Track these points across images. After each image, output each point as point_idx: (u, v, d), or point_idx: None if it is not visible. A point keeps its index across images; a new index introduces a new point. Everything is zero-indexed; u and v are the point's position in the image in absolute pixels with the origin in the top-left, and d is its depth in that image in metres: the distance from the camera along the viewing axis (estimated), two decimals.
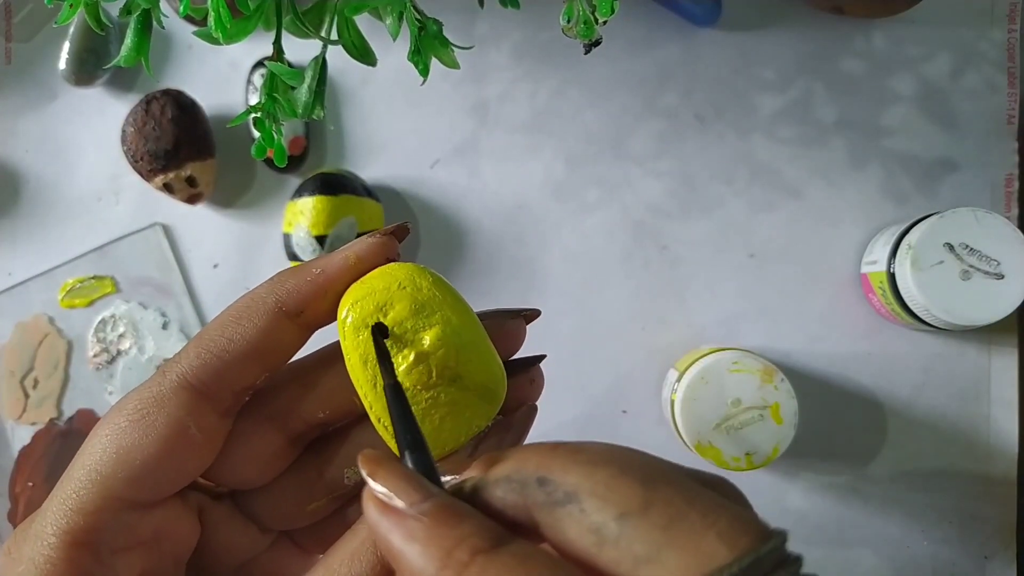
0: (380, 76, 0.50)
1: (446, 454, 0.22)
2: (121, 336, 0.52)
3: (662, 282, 0.48)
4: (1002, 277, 0.39)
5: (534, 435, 0.24)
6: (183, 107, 0.49)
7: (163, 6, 0.31)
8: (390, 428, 0.22)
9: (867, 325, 0.47)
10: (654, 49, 0.49)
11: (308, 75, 0.32)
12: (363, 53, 0.32)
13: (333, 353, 0.23)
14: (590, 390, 0.48)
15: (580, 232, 0.49)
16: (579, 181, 0.49)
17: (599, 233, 0.49)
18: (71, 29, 0.51)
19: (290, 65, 0.31)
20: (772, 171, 0.48)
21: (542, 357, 0.24)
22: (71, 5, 0.29)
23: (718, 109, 0.49)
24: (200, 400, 0.22)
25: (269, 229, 0.51)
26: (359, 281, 0.22)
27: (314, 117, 0.32)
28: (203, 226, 0.52)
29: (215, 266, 0.52)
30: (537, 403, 0.24)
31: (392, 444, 0.22)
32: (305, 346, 0.24)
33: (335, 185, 0.47)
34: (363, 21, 0.32)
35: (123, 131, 0.50)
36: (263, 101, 0.31)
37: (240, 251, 0.51)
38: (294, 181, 0.50)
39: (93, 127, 0.53)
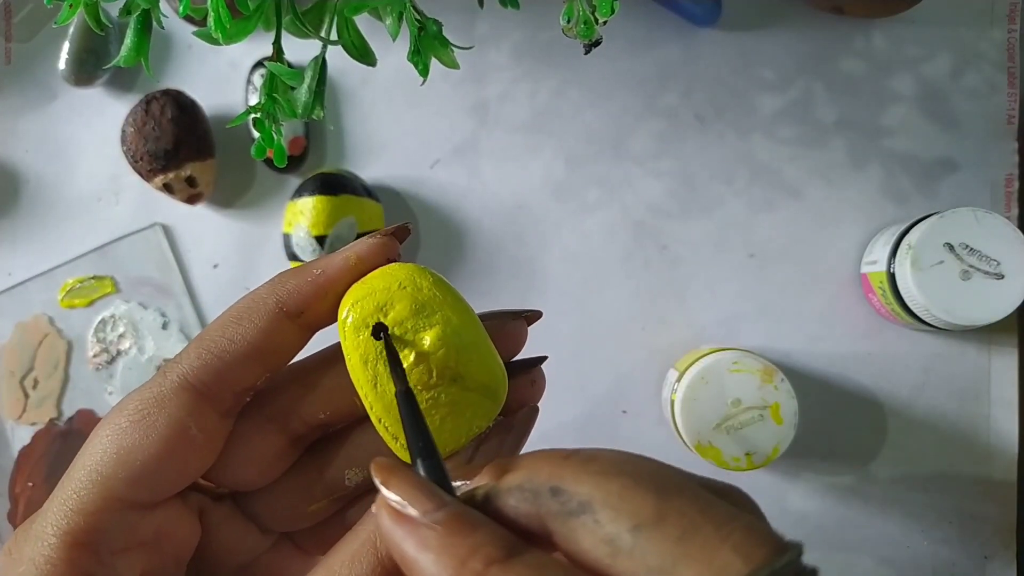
0: (380, 76, 0.50)
1: (447, 455, 0.22)
2: (121, 336, 0.52)
3: (662, 282, 0.48)
4: (1002, 277, 0.39)
5: (534, 435, 0.24)
6: (183, 107, 0.49)
7: (163, 6, 0.31)
8: (391, 429, 0.22)
9: (867, 325, 0.47)
10: (654, 49, 0.49)
11: (308, 75, 0.32)
12: (363, 53, 0.32)
13: (334, 354, 0.23)
14: (590, 390, 0.48)
15: (580, 232, 0.49)
16: (579, 181, 0.49)
17: (599, 233, 0.49)
18: (71, 29, 0.51)
19: (290, 65, 0.31)
20: (772, 171, 0.48)
21: (543, 358, 0.24)
22: (71, 5, 0.29)
23: (718, 109, 0.49)
24: (201, 401, 0.22)
25: (269, 229, 0.51)
26: (360, 281, 0.22)
27: (314, 117, 0.32)
28: (203, 226, 0.52)
29: (215, 266, 0.52)
30: (538, 404, 0.24)
31: (393, 445, 0.22)
32: (306, 347, 0.24)
33: (335, 185, 0.47)
34: (363, 21, 0.32)
35: (123, 131, 0.50)
36: (263, 101, 0.31)
37: (240, 251, 0.51)
38: (294, 181, 0.50)
39: (93, 127, 0.53)
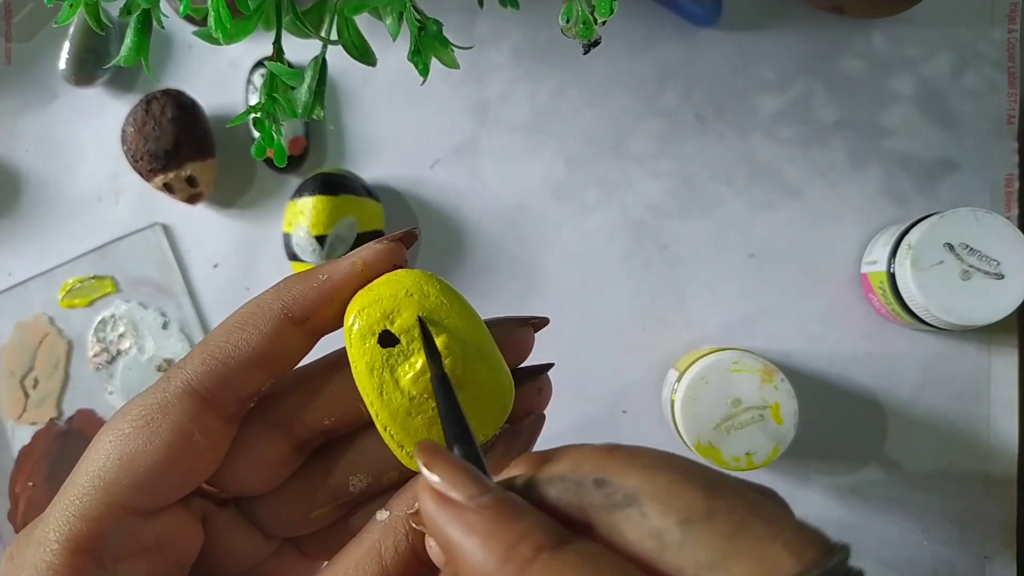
0: (380, 76, 0.50)
1: None
2: (121, 336, 0.52)
3: (662, 282, 0.48)
4: (1002, 277, 0.39)
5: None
6: (183, 107, 0.49)
7: (163, 6, 0.31)
8: (396, 437, 0.21)
9: (867, 325, 0.47)
10: (654, 49, 0.49)
11: (308, 75, 0.32)
12: (363, 53, 0.32)
13: (339, 360, 0.23)
14: (590, 390, 0.48)
15: (580, 232, 0.49)
16: (579, 181, 0.49)
17: (599, 233, 0.49)
18: (71, 29, 0.51)
19: (290, 65, 0.31)
20: (772, 171, 0.48)
21: (550, 365, 0.24)
22: (71, 5, 0.29)
23: (718, 109, 0.49)
24: (205, 406, 0.21)
25: (269, 229, 0.51)
26: (366, 288, 0.22)
27: (314, 117, 0.32)
28: (203, 226, 0.52)
29: (215, 266, 0.52)
30: (544, 412, 0.24)
31: (398, 453, 0.22)
32: (311, 352, 0.24)
33: (335, 185, 0.47)
34: (363, 21, 0.32)
35: (123, 131, 0.50)
36: (263, 101, 0.31)
37: (240, 251, 0.51)
38: (294, 181, 0.50)
39: (93, 127, 0.53)
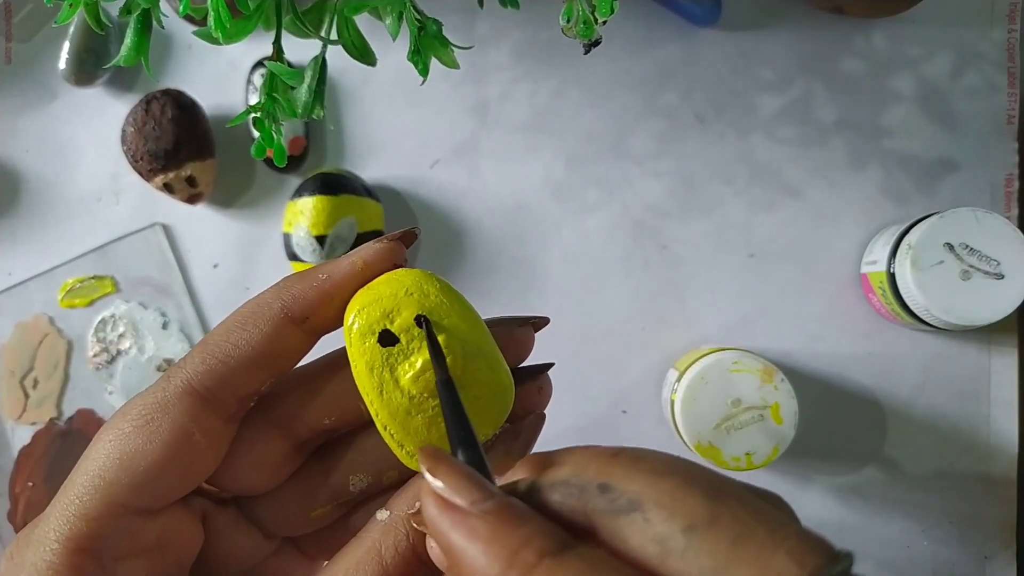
0: (380, 76, 0.50)
1: None
2: (121, 336, 0.52)
3: (662, 282, 0.48)
4: (1002, 277, 0.39)
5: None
6: (183, 107, 0.49)
7: (163, 6, 0.31)
8: (396, 436, 0.21)
9: (867, 325, 0.47)
10: (654, 49, 0.49)
11: (308, 75, 0.32)
12: (363, 53, 0.32)
13: (339, 359, 0.23)
14: (590, 390, 0.48)
15: (580, 232, 0.49)
16: (579, 181, 0.49)
17: (599, 233, 0.49)
18: (71, 29, 0.51)
19: (290, 65, 0.31)
20: (772, 171, 0.48)
21: (550, 365, 0.24)
22: (71, 5, 0.29)
23: (718, 109, 0.49)
24: (205, 406, 0.21)
25: (269, 229, 0.51)
26: (366, 287, 0.22)
27: (314, 117, 0.32)
28: (203, 226, 0.52)
29: (215, 266, 0.52)
30: (544, 411, 0.24)
31: (399, 452, 0.22)
32: (311, 351, 0.24)
33: (335, 185, 0.47)
34: (363, 21, 0.32)
35: (123, 131, 0.50)
36: (263, 101, 0.31)
37: (240, 251, 0.51)
38: (294, 181, 0.50)
39: (93, 127, 0.53)
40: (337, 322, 0.23)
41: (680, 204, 0.49)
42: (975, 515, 0.45)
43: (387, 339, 0.21)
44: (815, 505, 0.46)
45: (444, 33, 0.31)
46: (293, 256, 0.48)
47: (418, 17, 0.31)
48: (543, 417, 0.24)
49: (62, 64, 0.51)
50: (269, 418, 0.23)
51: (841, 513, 0.46)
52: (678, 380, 0.43)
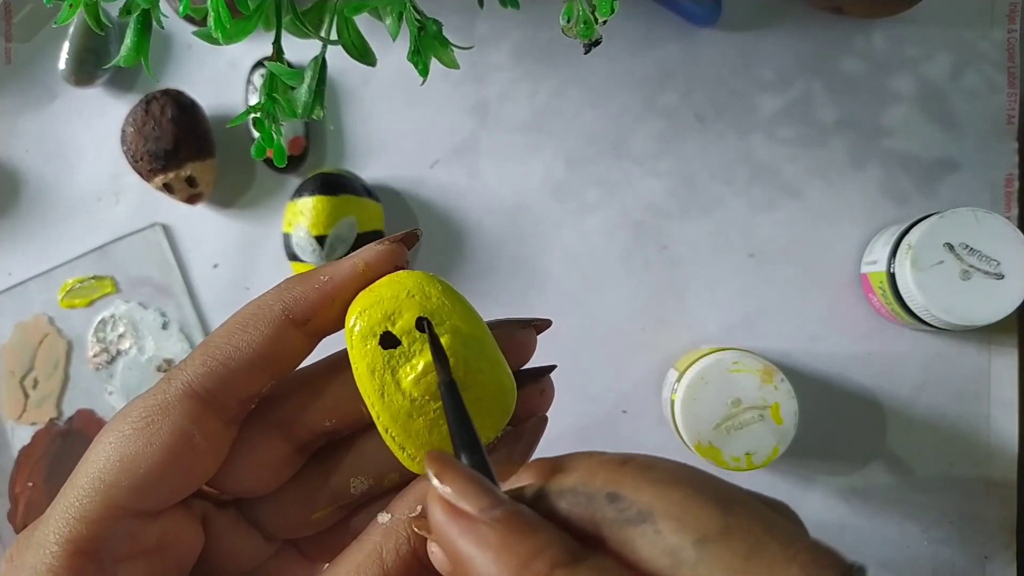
0: (380, 76, 0.50)
1: None
2: (121, 336, 0.52)
3: (662, 282, 0.48)
4: (1002, 277, 0.39)
5: None
6: (183, 107, 0.49)
7: (163, 6, 0.31)
8: (398, 439, 0.21)
9: (867, 325, 0.47)
10: (654, 49, 0.49)
11: (308, 75, 0.32)
12: (363, 53, 0.32)
13: (340, 361, 0.23)
14: (590, 390, 0.48)
15: (580, 232, 0.49)
16: (579, 181, 0.49)
17: (599, 233, 0.49)
18: (71, 29, 0.51)
19: (290, 65, 0.31)
20: (772, 171, 0.48)
21: (552, 367, 0.24)
22: (71, 5, 0.29)
23: (718, 109, 0.49)
24: (205, 408, 0.21)
25: (269, 229, 0.51)
26: (367, 289, 0.22)
27: (314, 117, 0.32)
28: (203, 226, 0.52)
29: (215, 266, 0.52)
30: (547, 414, 0.24)
31: (400, 455, 0.22)
32: (312, 353, 0.23)
33: (335, 185, 0.47)
34: (363, 21, 0.32)
35: (123, 131, 0.50)
36: (263, 101, 0.31)
37: (240, 251, 0.51)
38: (294, 181, 0.50)
39: (93, 127, 0.53)
40: (338, 324, 0.22)
41: (680, 204, 0.49)
42: (975, 515, 0.45)
43: (389, 341, 0.21)
44: (815, 505, 0.46)
45: (444, 33, 0.31)
46: (293, 256, 0.48)
47: (418, 17, 0.31)
48: (545, 420, 0.23)
49: (62, 64, 0.51)
50: (270, 420, 0.23)
51: (841, 513, 0.46)
52: (678, 380, 0.43)
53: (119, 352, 0.52)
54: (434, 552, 0.19)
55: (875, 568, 0.46)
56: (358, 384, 0.22)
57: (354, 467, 0.23)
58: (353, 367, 0.22)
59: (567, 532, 0.17)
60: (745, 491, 0.17)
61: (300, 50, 0.36)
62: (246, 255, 0.51)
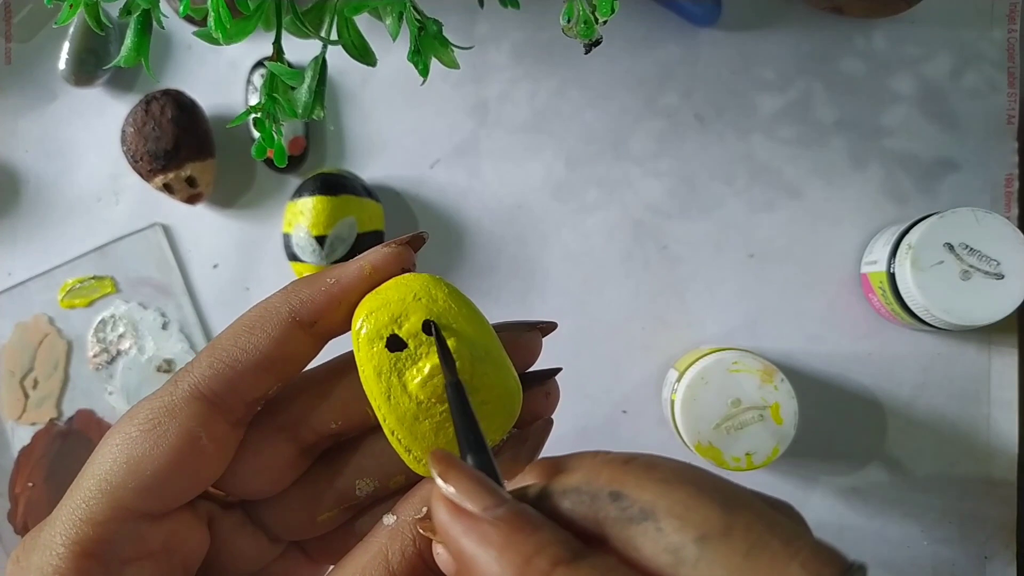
0: (380, 76, 0.50)
1: None
2: (121, 336, 0.52)
3: (662, 282, 0.48)
4: (1002, 277, 0.39)
5: None
6: (183, 107, 0.49)
7: (163, 6, 0.31)
8: (404, 441, 0.21)
9: (867, 325, 0.47)
10: (654, 49, 0.49)
11: (308, 75, 0.32)
12: (363, 53, 0.32)
13: (346, 363, 0.23)
14: (590, 390, 0.48)
15: (580, 232, 0.49)
16: (579, 181, 0.49)
17: (599, 233, 0.49)
18: (71, 29, 0.51)
19: (290, 65, 0.31)
20: (772, 171, 0.48)
21: (558, 370, 0.24)
22: (71, 5, 0.29)
23: (718, 109, 0.49)
24: (212, 410, 0.21)
25: (269, 229, 0.51)
26: (374, 291, 0.22)
27: (314, 117, 0.32)
28: (203, 226, 0.52)
29: (215, 266, 0.52)
30: (552, 416, 0.24)
31: (406, 458, 0.22)
32: (318, 356, 0.23)
33: (335, 185, 0.47)
34: (363, 21, 0.32)
35: (123, 131, 0.50)
36: (263, 101, 0.31)
37: (240, 251, 0.51)
38: (294, 181, 0.50)
39: (93, 127, 0.53)
40: (345, 326, 0.22)
41: (680, 204, 0.49)
42: (975, 515, 0.45)
43: (395, 344, 0.21)
44: (815, 505, 0.46)
45: (444, 33, 0.31)
46: (293, 256, 0.48)
47: (418, 17, 0.31)
48: (551, 422, 0.23)
49: (62, 64, 0.51)
50: (276, 422, 0.23)
51: (841, 513, 0.46)
52: (678, 380, 0.43)
53: (119, 352, 0.52)
54: (439, 553, 0.19)
55: (875, 568, 0.46)
56: (364, 387, 0.22)
57: (360, 469, 0.23)
58: (359, 370, 0.22)
59: (570, 531, 0.17)
60: (747, 490, 0.17)
61: (300, 50, 0.36)
62: (246, 255, 0.51)
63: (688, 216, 0.48)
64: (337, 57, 0.33)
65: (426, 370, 0.21)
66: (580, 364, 0.48)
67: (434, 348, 0.21)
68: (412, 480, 0.23)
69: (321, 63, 0.32)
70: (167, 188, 0.49)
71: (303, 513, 0.24)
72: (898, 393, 0.46)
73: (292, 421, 0.23)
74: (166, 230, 0.52)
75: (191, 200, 0.50)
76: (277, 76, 0.31)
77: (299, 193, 0.48)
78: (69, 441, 0.52)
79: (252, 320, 0.22)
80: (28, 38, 0.53)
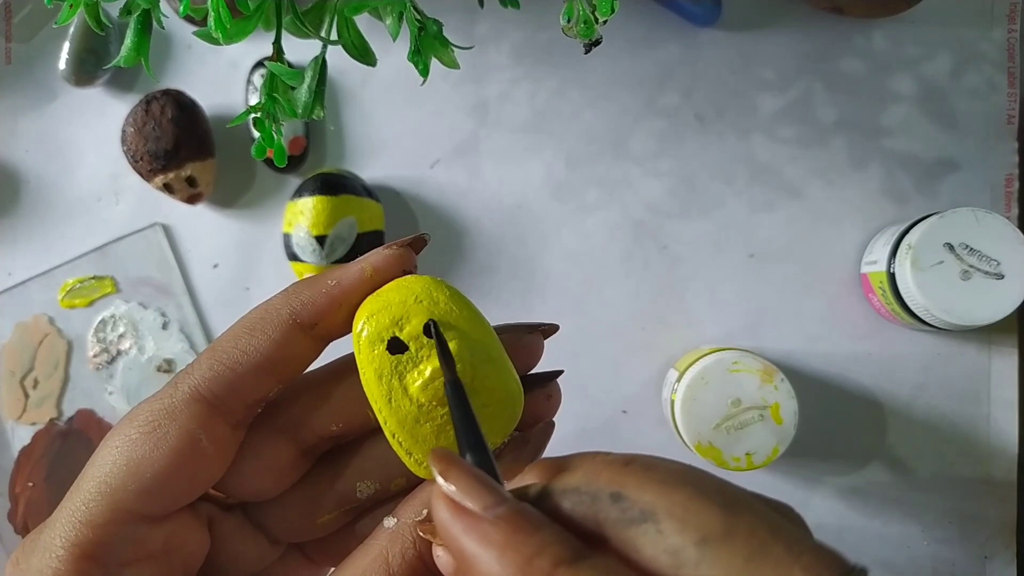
0: (380, 76, 0.50)
1: None
2: (121, 336, 0.52)
3: (662, 282, 0.48)
4: (1002, 277, 0.39)
5: None
6: (183, 107, 0.49)
7: (163, 6, 0.31)
8: (405, 444, 0.21)
9: (867, 325, 0.47)
10: (654, 49, 0.49)
11: (308, 75, 0.32)
12: (363, 53, 0.32)
13: (347, 365, 0.23)
14: (590, 390, 0.48)
15: (580, 232, 0.49)
16: (579, 181, 0.49)
17: (599, 233, 0.49)
18: (71, 29, 0.51)
19: (290, 65, 0.31)
20: (772, 171, 0.48)
21: (559, 372, 0.24)
22: (71, 5, 0.29)
23: (718, 109, 0.49)
24: (212, 412, 0.21)
25: (269, 229, 0.51)
26: (375, 294, 0.22)
27: (314, 117, 0.32)
28: (203, 226, 0.52)
29: (215, 266, 0.52)
30: (554, 419, 0.24)
31: (407, 460, 0.22)
32: (319, 358, 0.23)
33: (335, 185, 0.47)
34: (363, 21, 0.32)
35: (123, 131, 0.50)
36: (263, 101, 0.31)
37: (240, 251, 0.51)
38: (294, 181, 0.50)
39: (93, 127, 0.53)
40: (346, 329, 0.22)
41: (680, 204, 0.49)
42: (975, 515, 0.45)
43: (396, 346, 0.21)
44: (815, 505, 0.46)
45: (444, 33, 0.31)
46: (293, 256, 0.48)
47: (418, 17, 0.31)
48: (552, 425, 0.23)
49: (62, 64, 0.51)
50: (276, 424, 0.23)
51: (841, 513, 0.46)
52: (678, 380, 0.43)
53: (119, 352, 0.52)
54: (439, 556, 0.19)
55: (875, 568, 0.46)
56: (365, 389, 0.22)
57: (360, 471, 0.23)
58: (360, 372, 0.22)
59: (570, 531, 0.17)
60: (749, 493, 0.17)
61: (300, 50, 0.36)
62: (246, 255, 0.51)
63: (688, 216, 0.48)
64: (337, 57, 0.33)
65: (427, 373, 0.21)
66: (580, 364, 0.48)
67: (435, 351, 0.21)
68: (413, 483, 0.23)
69: (321, 63, 0.32)
70: (167, 188, 0.49)
71: (303, 515, 0.24)
72: (898, 393, 0.46)
73: (293, 423, 0.23)
74: (166, 230, 0.52)
75: (191, 200, 0.50)
76: (277, 76, 0.31)
77: (299, 193, 0.48)
78: (69, 441, 0.52)
79: (253, 322, 0.22)
80: (28, 38, 0.53)
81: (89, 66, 0.51)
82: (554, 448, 0.23)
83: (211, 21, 0.28)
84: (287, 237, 0.48)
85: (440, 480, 0.18)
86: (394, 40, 0.31)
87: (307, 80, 0.32)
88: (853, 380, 0.47)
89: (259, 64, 0.51)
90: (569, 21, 0.30)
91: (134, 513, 0.21)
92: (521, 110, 0.50)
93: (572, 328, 0.48)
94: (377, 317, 0.21)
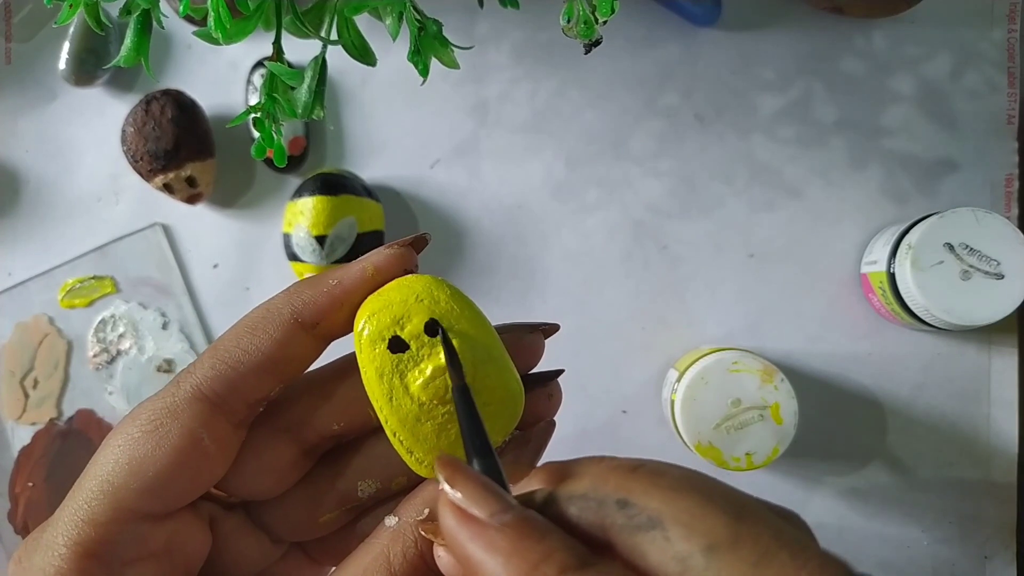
0: (380, 76, 0.50)
1: None
2: (121, 336, 0.52)
3: (662, 282, 0.48)
4: (1002, 277, 0.39)
5: None
6: (183, 107, 0.49)
7: (163, 6, 0.31)
8: (406, 443, 0.21)
9: (867, 325, 0.47)
10: (654, 49, 0.49)
11: (308, 75, 0.32)
12: (363, 53, 0.32)
13: (349, 364, 0.23)
14: (590, 390, 0.48)
15: (580, 232, 0.49)
16: (579, 181, 0.49)
17: (599, 233, 0.49)
18: (71, 29, 0.51)
19: (290, 65, 0.31)
20: (772, 171, 0.48)
21: (560, 372, 0.24)
22: (71, 5, 0.29)
23: (718, 109, 0.49)
24: (214, 411, 0.21)
25: (269, 229, 0.51)
26: (376, 293, 0.22)
27: (314, 117, 0.32)
28: (203, 226, 0.52)
29: (215, 266, 0.52)
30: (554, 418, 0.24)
31: (408, 459, 0.22)
32: (320, 357, 0.23)
33: (335, 185, 0.47)
34: (363, 21, 0.32)
35: (123, 131, 0.50)
36: (263, 101, 0.31)
37: (240, 251, 0.51)
38: (294, 181, 0.50)
39: (93, 127, 0.53)
40: (347, 328, 0.22)
41: (680, 204, 0.49)
42: (975, 515, 0.45)
43: (397, 345, 0.21)
44: (815, 505, 0.46)
45: (444, 33, 0.31)
46: (293, 256, 0.48)
47: (418, 17, 0.31)
48: (553, 424, 0.23)
49: (62, 64, 0.51)
50: (278, 423, 0.23)
51: (841, 513, 0.46)
52: (678, 380, 0.43)
53: (119, 352, 0.52)
54: (440, 556, 0.19)
55: (875, 568, 0.46)
56: (367, 388, 0.22)
57: (361, 470, 0.23)
58: (361, 371, 0.22)
59: (576, 537, 0.17)
60: (755, 499, 0.17)
61: (300, 50, 0.36)
62: (246, 255, 0.51)
63: (688, 216, 0.48)
64: (337, 57, 0.33)
65: (428, 372, 0.21)
66: (580, 364, 0.48)
67: (436, 349, 0.21)
68: (414, 481, 0.23)
69: (321, 63, 0.32)
70: (167, 188, 0.49)
71: (305, 514, 0.24)
72: (898, 393, 0.46)
73: (294, 422, 0.23)
74: (166, 230, 0.52)
75: (191, 200, 0.50)
76: (277, 76, 0.31)
77: (299, 193, 0.48)
78: (69, 441, 0.52)
79: (254, 321, 0.22)
80: (28, 38, 0.53)
81: (89, 66, 0.51)
82: (554, 447, 0.23)
83: (211, 21, 0.28)
84: (287, 237, 0.48)
85: (446, 487, 0.18)
86: (394, 40, 0.31)
87: (307, 80, 0.32)
88: (853, 380, 0.47)
89: (259, 64, 0.51)
90: (569, 21, 0.30)
91: (136, 512, 0.21)
92: (521, 110, 0.50)
93: (572, 328, 0.48)
94: (378, 316, 0.21)
